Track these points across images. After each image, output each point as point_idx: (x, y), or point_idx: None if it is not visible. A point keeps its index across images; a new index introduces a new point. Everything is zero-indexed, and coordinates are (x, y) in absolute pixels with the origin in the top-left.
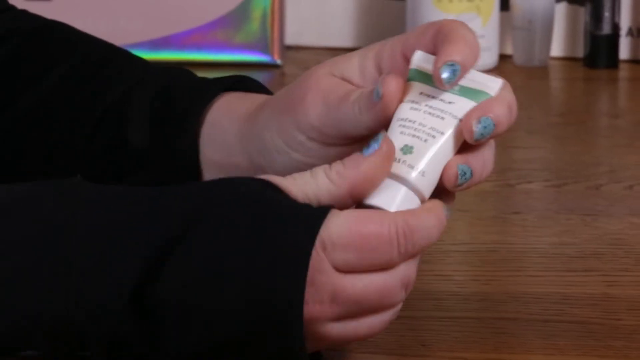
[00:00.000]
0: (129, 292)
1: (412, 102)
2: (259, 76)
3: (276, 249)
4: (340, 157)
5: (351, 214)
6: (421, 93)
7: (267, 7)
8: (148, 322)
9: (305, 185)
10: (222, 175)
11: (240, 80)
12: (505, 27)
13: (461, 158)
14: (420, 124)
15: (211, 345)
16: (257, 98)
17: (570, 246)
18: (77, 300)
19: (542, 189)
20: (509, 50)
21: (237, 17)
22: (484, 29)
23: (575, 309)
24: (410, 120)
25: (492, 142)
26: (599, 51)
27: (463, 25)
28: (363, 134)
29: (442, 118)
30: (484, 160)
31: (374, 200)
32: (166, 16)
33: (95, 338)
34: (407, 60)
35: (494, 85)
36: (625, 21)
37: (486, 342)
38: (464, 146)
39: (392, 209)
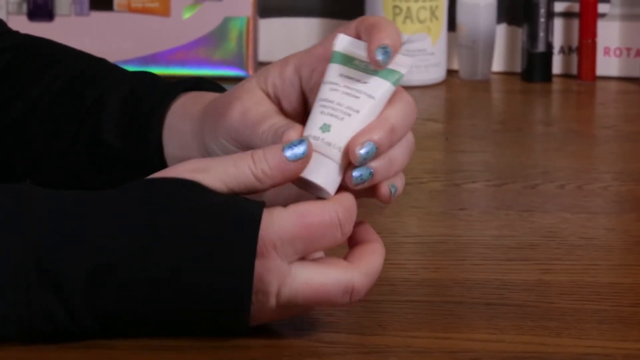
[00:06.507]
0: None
1: (332, 83)
2: None
3: (221, 257)
4: None
5: (293, 210)
6: (340, 75)
7: (242, 28)
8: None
9: (225, 175)
10: None
11: (198, 82)
12: (452, 45)
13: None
14: (337, 103)
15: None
16: (209, 97)
17: (509, 238)
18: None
19: (484, 188)
20: (455, 66)
21: (217, 37)
22: (434, 47)
23: (514, 293)
24: (329, 101)
25: (404, 141)
26: (534, 67)
27: (385, 18)
28: None
29: (357, 97)
30: (389, 159)
31: (314, 177)
32: (154, 36)
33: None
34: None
35: (405, 62)
36: (557, 40)
37: (435, 323)
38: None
39: (331, 190)
